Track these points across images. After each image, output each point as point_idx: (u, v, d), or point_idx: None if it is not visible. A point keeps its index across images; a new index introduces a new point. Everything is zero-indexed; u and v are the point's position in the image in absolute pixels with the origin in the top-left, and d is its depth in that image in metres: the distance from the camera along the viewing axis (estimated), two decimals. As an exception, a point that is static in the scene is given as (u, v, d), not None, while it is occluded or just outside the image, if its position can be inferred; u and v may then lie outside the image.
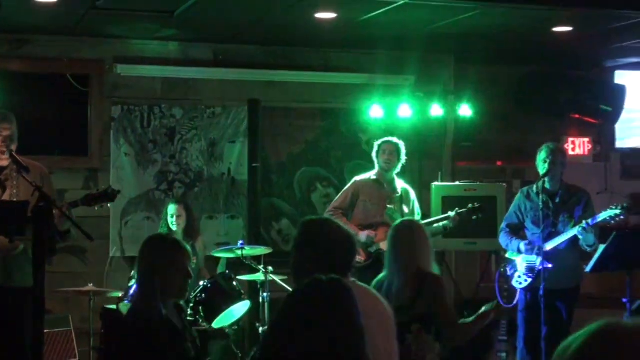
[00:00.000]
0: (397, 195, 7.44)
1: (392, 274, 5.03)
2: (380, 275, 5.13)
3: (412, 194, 7.57)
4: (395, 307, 4.09)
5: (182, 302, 4.21)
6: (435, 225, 7.47)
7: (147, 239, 4.21)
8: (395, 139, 7.55)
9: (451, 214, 7.47)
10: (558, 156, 6.93)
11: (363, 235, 7.18)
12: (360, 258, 6.95)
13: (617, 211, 6.52)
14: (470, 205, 7.56)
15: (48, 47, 8.19)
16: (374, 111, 8.72)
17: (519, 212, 7.09)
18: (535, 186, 6.92)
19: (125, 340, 4.00)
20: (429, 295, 4.90)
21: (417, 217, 7.36)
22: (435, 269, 5.20)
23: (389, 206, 7.36)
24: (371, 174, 7.53)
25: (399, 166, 7.48)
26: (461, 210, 7.53)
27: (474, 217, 7.57)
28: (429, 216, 7.84)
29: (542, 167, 6.89)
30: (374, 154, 7.52)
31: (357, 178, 7.58)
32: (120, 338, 3.98)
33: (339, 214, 7.28)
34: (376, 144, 7.56)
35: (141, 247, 4.13)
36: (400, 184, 7.53)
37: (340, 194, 7.68)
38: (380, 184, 7.47)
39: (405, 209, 7.39)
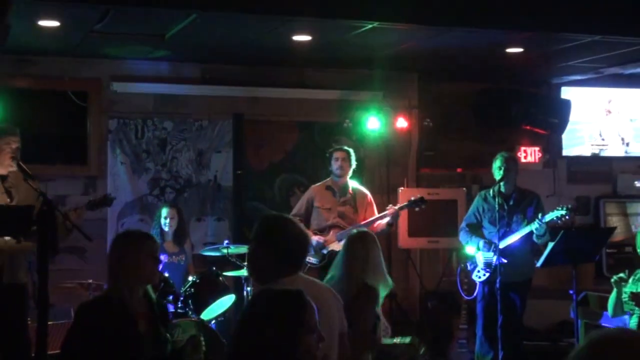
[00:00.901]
0: (347, 198, 7.34)
1: (338, 279, 4.88)
2: (329, 276, 5.01)
3: (368, 197, 7.40)
4: None
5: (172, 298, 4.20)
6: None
7: (115, 236, 4.23)
8: (345, 147, 7.49)
9: (388, 208, 7.23)
10: (511, 163, 6.99)
11: (313, 241, 6.99)
12: (313, 260, 7.00)
13: (563, 212, 6.58)
14: (412, 198, 7.35)
15: (50, 67, 8.14)
16: (346, 123, 8.72)
17: (477, 213, 7.13)
18: (491, 190, 6.98)
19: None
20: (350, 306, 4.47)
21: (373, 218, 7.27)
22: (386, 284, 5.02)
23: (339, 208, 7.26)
24: (325, 181, 7.46)
25: (351, 171, 7.37)
26: (402, 205, 7.36)
27: (417, 209, 7.36)
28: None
29: (497, 173, 6.94)
30: (328, 162, 7.44)
31: (313, 186, 7.54)
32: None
33: (297, 221, 7.15)
34: (329, 152, 7.49)
35: (112, 242, 4.12)
36: (355, 188, 7.41)
37: (298, 202, 7.65)
38: (333, 190, 7.37)
39: (359, 210, 7.30)
